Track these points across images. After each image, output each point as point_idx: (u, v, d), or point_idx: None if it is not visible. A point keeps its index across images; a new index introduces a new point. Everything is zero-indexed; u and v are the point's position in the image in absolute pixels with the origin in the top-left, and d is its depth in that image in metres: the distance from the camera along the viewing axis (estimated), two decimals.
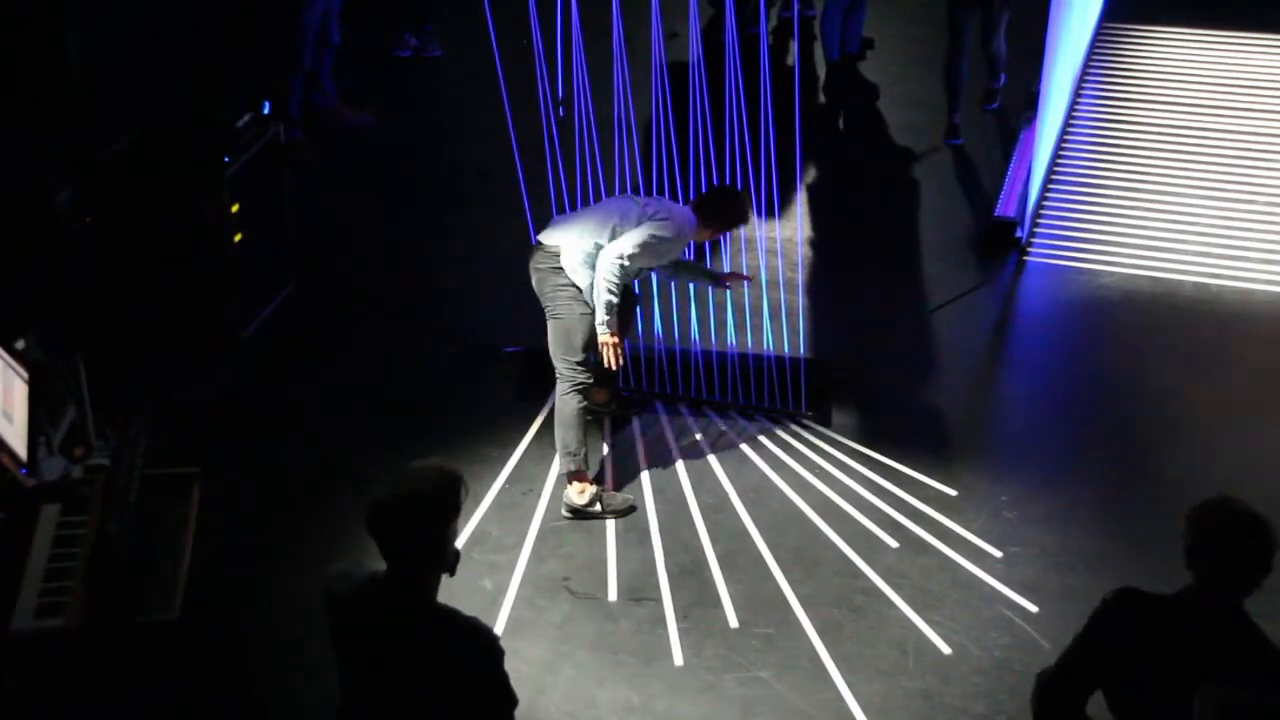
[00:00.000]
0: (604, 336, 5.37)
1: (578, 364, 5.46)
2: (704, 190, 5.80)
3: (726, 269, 6.14)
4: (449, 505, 3.36)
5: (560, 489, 5.66)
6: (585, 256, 5.37)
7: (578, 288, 5.39)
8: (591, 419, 5.91)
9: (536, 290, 5.52)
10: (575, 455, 5.52)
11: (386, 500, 3.32)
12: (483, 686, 3.43)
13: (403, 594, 3.39)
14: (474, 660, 3.40)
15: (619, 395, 6.14)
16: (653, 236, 5.37)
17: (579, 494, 5.56)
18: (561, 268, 5.40)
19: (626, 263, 5.32)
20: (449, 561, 3.40)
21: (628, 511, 5.62)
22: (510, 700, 3.48)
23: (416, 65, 8.98)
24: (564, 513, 5.59)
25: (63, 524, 4.23)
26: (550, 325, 5.49)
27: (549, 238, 5.46)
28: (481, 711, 3.46)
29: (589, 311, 5.39)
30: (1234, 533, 3.36)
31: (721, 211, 5.60)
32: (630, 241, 5.34)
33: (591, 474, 5.64)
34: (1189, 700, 3.18)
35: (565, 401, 5.51)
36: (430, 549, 3.35)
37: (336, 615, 3.50)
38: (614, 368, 5.49)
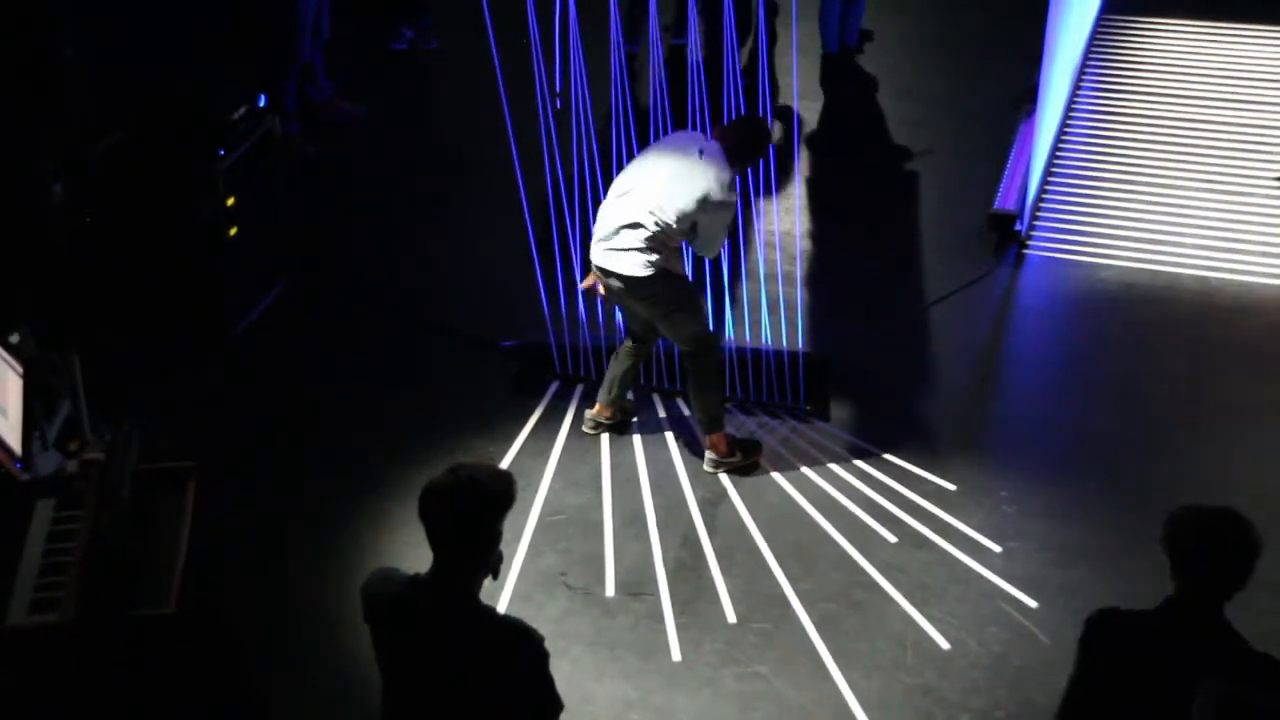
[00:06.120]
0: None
1: (702, 343, 5.58)
2: (723, 128, 5.53)
3: (726, 266, 6.12)
4: (506, 498, 3.27)
5: (557, 486, 5.68)
6: (650, 247, 5.38)
7: (660, 281, 5.41)
8: (593, 432, 5.91)
9: (620, 302, 5.62)
10: (711, 421, 5.71)
11: (446, 485, 3.23)
12: (527, 689, 3.33)
13: (446, 593, 3.28)
14: (519, 662, 3.30)
15: (623, 405, 6.03)
16: (727, 212, 5.40)
17: (722, 451, 5.74)
18: (633, 281, 5.41)
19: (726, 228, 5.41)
20: (494, 562, 3.31)
21: (756, 449, 5.80)
22: (555, 705, 3.38)
23: (412, 58, 8.95)
24: (706, 468, 5.76)
25: (57, 519, 4.23)
26: (661, 326, 5.60)
27: (608, 263, 5.43)
28: (525, 715, 3.37)
29: (679, 293, 5.49)
30: (1216, 536, 3.26)
31: (746, 147, 5.48)
32: (718, 229, 5.41)
33: (589, 472, 5.62)
34: (1178, 714, 3.15)
35: (693, 377, 5.66)
36: (482, 542, 3.25)
37: (378, 618, 3.40)
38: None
